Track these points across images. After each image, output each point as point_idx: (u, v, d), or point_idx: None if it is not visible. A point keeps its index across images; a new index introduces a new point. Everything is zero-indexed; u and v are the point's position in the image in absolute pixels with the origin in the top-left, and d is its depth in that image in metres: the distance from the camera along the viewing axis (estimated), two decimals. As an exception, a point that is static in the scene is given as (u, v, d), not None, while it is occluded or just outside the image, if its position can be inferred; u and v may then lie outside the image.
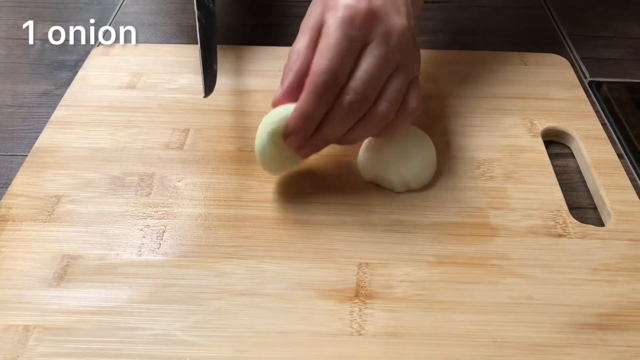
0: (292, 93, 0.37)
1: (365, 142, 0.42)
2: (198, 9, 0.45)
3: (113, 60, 0.53)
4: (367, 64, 0.36)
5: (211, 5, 0.47)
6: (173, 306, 0.34)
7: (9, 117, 0.49)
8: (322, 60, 0.36)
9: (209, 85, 0.41)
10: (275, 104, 0.38)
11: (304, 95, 0.36)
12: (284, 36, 0.56)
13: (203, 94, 0.41)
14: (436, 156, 0.42)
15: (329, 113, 0.37)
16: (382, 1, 0.37)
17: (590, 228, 0.39)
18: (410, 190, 0.41)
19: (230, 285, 0.35)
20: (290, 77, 0.37)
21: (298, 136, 0.37)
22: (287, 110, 0.37)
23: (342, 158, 0.43)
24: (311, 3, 0.40)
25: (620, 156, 0.44)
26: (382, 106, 0.37)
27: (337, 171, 0.43)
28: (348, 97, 0.36)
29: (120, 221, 0.39)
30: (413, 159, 0.41)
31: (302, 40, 0.38)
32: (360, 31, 0.36)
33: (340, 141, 0.39)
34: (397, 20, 0.37)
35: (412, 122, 0.40)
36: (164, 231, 0.38)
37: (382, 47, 0.36)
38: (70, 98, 0.49)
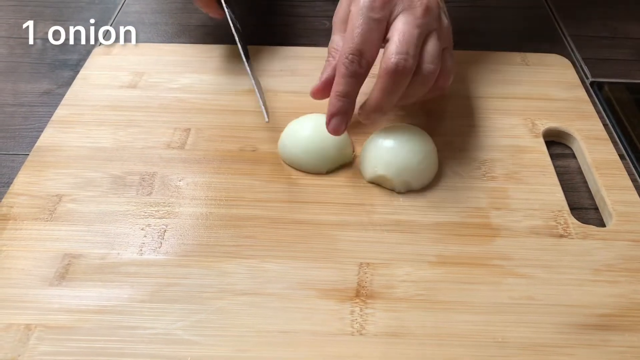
0: (330, 84, 0.41)
1: (366, 142, 0.42)
2: (235, 31, 0.48)
3: (114, 60, 0.53)
4: (397, 30, 0.39)
5: (239, 26, 0.49)
6: (174, 305, 0.34)
7: (10, 116, 0.49)
8: (346, 44, 0.39)
9: (267, 108, 0.43)
10: (313, 93, 0.42)
11: (336, 79, 0.40)
12: (286, 36, 0.56)
13: (266, 119, 0.42)
14: (437, 156, 0.42)
15: (378, 83, 0.39)
16: None
17: (591, 229, 0.39)
18: (411, 191, 0.41)
19: (231, 285, 0.35)
20: (328, 70, 0.42)
21: (339, 117, 0.40)
22: None
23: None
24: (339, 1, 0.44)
25: (621, 157, 0.44)
26: (425, 68, 0.39)
27: (338, 171, 0.43)
28: (392, 59, 0.38)
29: (122, 220, 0.39)
30: (414, 160, 0.40)
31: (337, 36, 0.43)
32: (381, 12, 0.39)
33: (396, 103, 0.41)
34: None
35: (449, 84, 0.43)
36: (165, 230, 0.38)
37: (409, 15, 0.39)
38: (72, 97, 0.49)
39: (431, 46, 0.40)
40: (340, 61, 0.39)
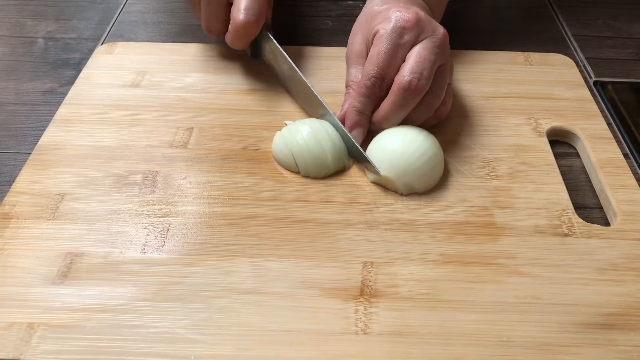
0: None
1: (371, 143, 0.42)
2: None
3: (117, 59, 0.53)
4: (416, 53, 0.41)
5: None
6: (177, 304, 0.34)
7: (12, 114, 0.49)
8: (370, 67, 0.41)
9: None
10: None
11: (355, 95, 0.42)
12: (287, 35, 0.56)
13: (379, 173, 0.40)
14: (443, 161, 0.42)
15: (390, 98, 0.41)
16: (424, 13, 0.43)
17: (596, 228, 0.39)
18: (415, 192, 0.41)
19: (234, 284, 0.35)
20: (349, 100, 0.43)
21: (358, 130, 0.43)
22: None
23: (346, 157, 0.43)
24: (351, 34, 0.46)
25: (625, 156, 0.44)
26: (433, 92, 0.42)
27: (342, 171, 0.42)
28: (406, 77, 0.40)
29: (124, 219, 0.39)
30: (418, 162, 0.40)
31: (353, 69, 0.45)
32: (408, 36, 0.41)
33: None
34: (438, 26, 0.43)
35: (446, 114, 0.45)
36: (168, 229, 0.38)
37: (429, 42, 0.41)
38: (74, 96, 0.49)
39: (440, 76, 0.42)
40: (362, 81, 0.42)
